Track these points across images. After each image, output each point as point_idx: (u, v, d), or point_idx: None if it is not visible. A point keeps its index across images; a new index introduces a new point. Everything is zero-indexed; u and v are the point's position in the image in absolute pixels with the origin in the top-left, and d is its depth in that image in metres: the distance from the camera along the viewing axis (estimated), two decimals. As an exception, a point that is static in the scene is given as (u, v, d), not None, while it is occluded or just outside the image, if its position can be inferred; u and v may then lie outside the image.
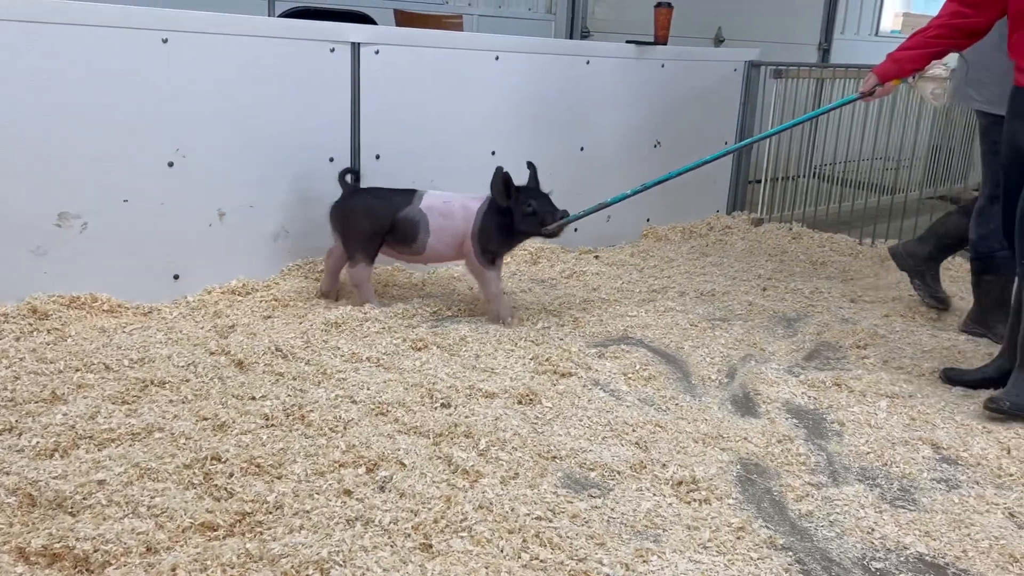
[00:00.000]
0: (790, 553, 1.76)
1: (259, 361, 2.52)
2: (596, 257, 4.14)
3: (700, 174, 4.94)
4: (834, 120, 5.18)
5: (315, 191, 3.37)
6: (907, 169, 5.50)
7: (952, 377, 2.74)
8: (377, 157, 3.51)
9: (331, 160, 3.38)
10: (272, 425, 2.12)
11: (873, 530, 1.87)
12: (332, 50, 3.30)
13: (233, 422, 2.10)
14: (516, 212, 2.91)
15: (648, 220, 4.72)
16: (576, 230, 4.36)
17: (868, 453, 2.25)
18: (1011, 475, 2.15)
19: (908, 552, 1.80)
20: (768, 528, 1.85)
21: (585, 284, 3.68)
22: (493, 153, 3.89)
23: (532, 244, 4.07)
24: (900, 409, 2.51)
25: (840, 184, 5.46)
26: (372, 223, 3.03)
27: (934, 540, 1.85)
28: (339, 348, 2.68)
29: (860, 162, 5.24)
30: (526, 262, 3.91)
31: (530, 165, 3.05)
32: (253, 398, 2.26)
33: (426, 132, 3.65)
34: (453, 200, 3.04)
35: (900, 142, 5.25)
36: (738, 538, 1.79)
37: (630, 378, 2.67)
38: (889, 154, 5.30)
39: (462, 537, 1.72)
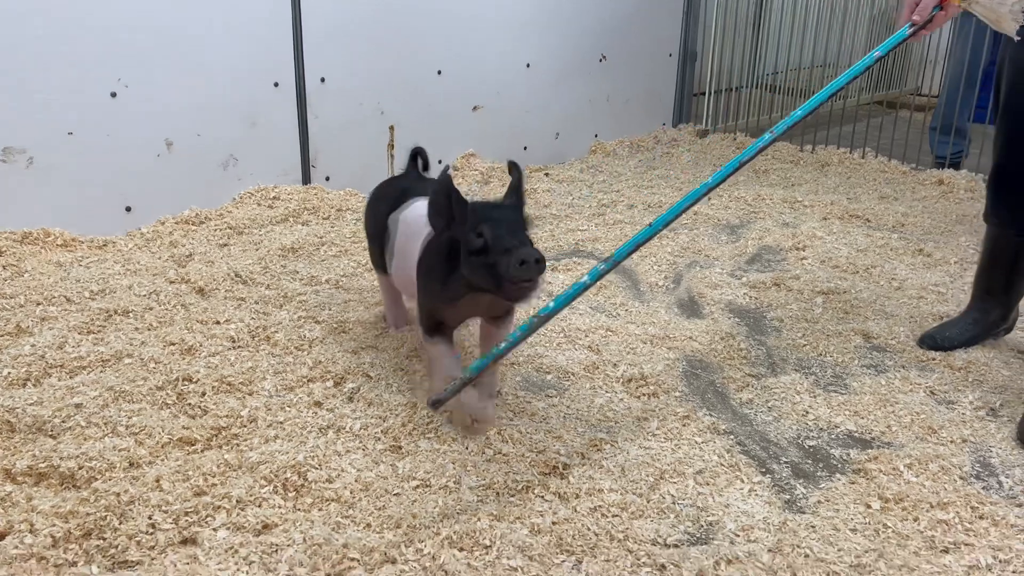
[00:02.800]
0: (731, 436, 1.92)
1: (219, 287, 2.57)
2: (546, 175, 4.21)
3: (646, 88, 5.02)
4: (775, 29, 5.25)
5: (262, 118, 3.36)
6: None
7: (934, 344, 2.39)
8: (322, 80, 3.49)
9: (276, 85, 3.36)
10: (239, 346, 2.19)
11: (807, 413, 2.04)
12: (270, -29, 3.25)
13: (200, 345, 2.17)
14: (462, 247, 1.67)
15: (596, 136, 4.78)
16: (525, 148, 4.42)
17: (804, 345, 2.40)
18: (933, 359, 2.33)
19: (838, 430, 1.97)
20: (711, 416, 2.00)
21: (536, 201, 3.76)
22: (439, 72, 3.89)
23: (483, 163, 4.12)
24: (835, 304, 2.67)
25: (782, 93, 5.56)
26: (369, 221, 2.24)
27: (862, 418, 2.01)
28: (297, 272, 2.73)
29: (800, 70, 5.33)
30: (478, 182, 3.96)
31: (513, 168, 1.81)
32: (217, 322, 2.32)
33: (370, 53, 3.63)
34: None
35: (838, 49, 5.35)
36: (684, 425, 1.93)
37: (582, 288, 2.79)
38: (828, 61, 5.40)
39: (429, 438, 1.83)
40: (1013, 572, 1.50)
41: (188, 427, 1.80)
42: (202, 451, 1.74)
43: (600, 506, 1.63)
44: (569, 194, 3.89)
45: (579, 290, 1.69)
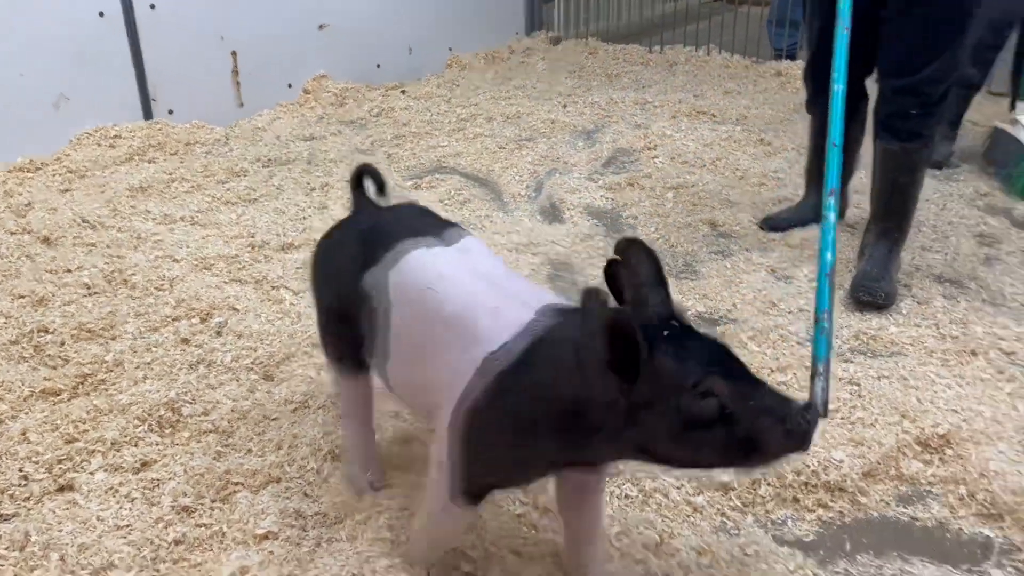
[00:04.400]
0: (594, 329, 2.04)
1: (66, 235, 2.45)
2: (403, 92, 4.15)
3: (494, -3, 4.95)
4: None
5: (90, 51, 3.14)
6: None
7: (773, 226, 2.58)
8: (152, 7, 3.28)
9: (101, 15, 3.15)
10: (95, 293, 2.12)
11: (662, 300, 2.18)
12: None
13: (53, 295, 2.09)
14: (658, 413, 1.01)
15: (451, 49, 4.73)
16: (378, 66, 4.34)
17: (657, 239, 2.55)
18: (773, 239, 2.53)
19: (689, 313, 2.13)
20: (575, 312, 2.11)
21: (395, 120, 3.72)
22: (280, -7, 3.73)
23: (336, 84, 4.02)
24: (684, 197, 2.82)
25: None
26: (324, 285, 1.41)
27: (710, 300, 2.18)
28: (149, 212, 2.64)
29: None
30: (332, 104, 3.87)
31: (635, 247, 1.09)
32: (68, 270, 2.23)
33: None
34: (465, 290, 1.19)
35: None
36: (549, 323, 2.04)
37: (447, 204, 2.82)
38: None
39: (304, 364, 1.85)
40: (841, 418, 1.70)
41: (50, 378, 1.75)
42: (68, 400, 1.71)
43: (474, 406, 1.71)
44: (428, 111, 3.86)
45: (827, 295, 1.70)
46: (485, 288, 1.18)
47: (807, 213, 2.60)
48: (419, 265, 1.22)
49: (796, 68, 4.41)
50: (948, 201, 2.79)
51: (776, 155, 3.25)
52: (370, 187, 1.48)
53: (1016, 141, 2.87)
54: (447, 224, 1.33)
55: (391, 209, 1.44)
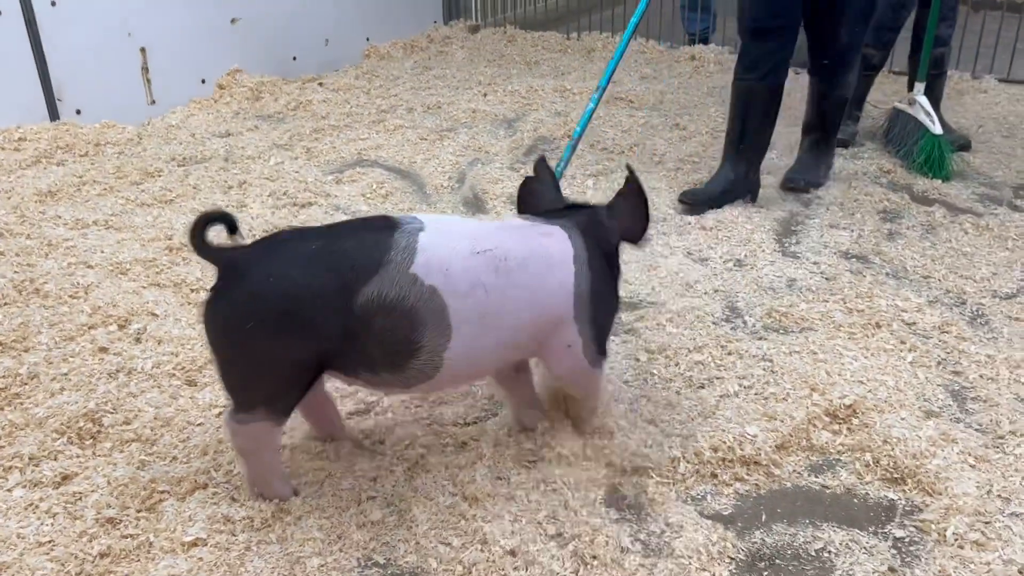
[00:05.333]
0: (518, 318, 2.07)
1: (-29, 244, 2.36)
2: (320, 85, 4.10)
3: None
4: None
5: (-12, 51, 3.02)
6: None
7: (693, 201, 2.69)
8: (52, 3, 3.16)
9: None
10: (5, 303, 2.06)
11: (584, 287, 2.23)
12: None
13: (-41, 309, 2.01)
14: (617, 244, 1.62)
15: (368, 39, 4.69)
16: (295, 58, 4.28)
17: (579, 226, 2.59)
18: (689, 223, 2.60)
19: (611, 298, 2.18)
20: (499, 302, 2.14)
21: (313, 113, 3.68)
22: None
23: (251, 78, 3.95)
24: (603, 185, 2.88)
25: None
26: (302, 335, 1.33)
27: (630, 284, 2.24)
28: (60, 217, 2.56)
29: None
30: (248, 99, 3.80)
31: (544, 165, 1.67)
32: (-25, 282, 2.15)
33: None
34: (509, 237, 1.46)
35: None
36: (474, 315, 2.06)
37: (369, 198, 2.82)
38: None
39: (227, 366, 1.84)
40: (755, 394, 1.77)
41: (-40, 395, 1.70)
42: (-19, 417, 1.65)
43: (404, 400, 1.73)
44: (347, 103, 3.83)
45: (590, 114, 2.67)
46: (508, 234, 1.47)
47: (722, 184, 2.73)
48: (441, 243, 1.38)
49: (708, 52, 4.52)
50: (854, 179, 2.91)
51: (691, 139, 3.33)
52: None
53: (914, 120, 3.01)
54: (388, 215, 1.47)
55: (301, 239, 1.37)
